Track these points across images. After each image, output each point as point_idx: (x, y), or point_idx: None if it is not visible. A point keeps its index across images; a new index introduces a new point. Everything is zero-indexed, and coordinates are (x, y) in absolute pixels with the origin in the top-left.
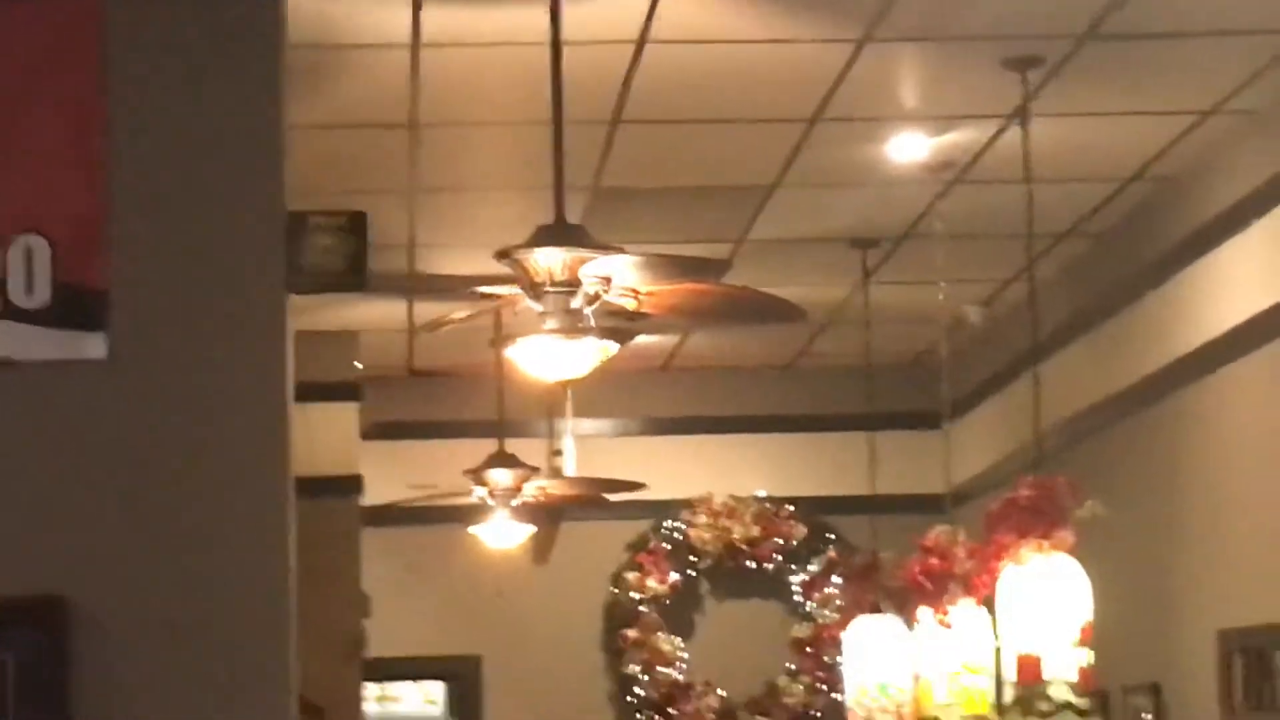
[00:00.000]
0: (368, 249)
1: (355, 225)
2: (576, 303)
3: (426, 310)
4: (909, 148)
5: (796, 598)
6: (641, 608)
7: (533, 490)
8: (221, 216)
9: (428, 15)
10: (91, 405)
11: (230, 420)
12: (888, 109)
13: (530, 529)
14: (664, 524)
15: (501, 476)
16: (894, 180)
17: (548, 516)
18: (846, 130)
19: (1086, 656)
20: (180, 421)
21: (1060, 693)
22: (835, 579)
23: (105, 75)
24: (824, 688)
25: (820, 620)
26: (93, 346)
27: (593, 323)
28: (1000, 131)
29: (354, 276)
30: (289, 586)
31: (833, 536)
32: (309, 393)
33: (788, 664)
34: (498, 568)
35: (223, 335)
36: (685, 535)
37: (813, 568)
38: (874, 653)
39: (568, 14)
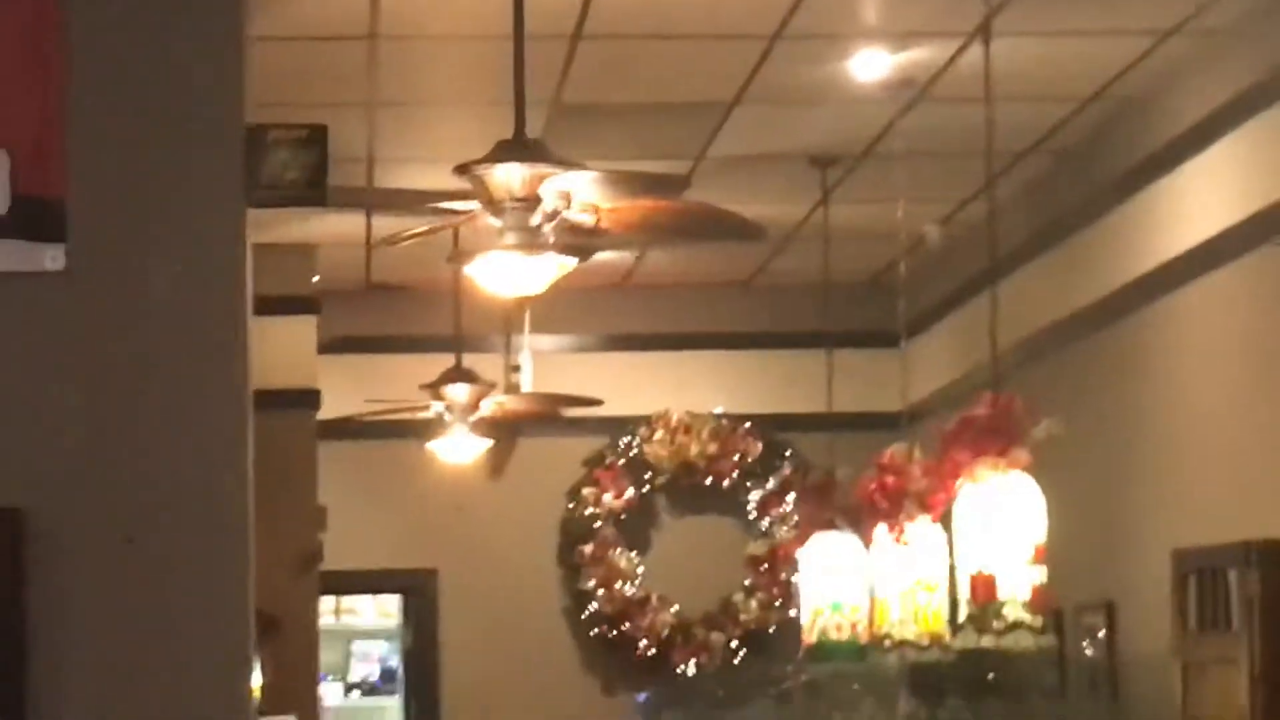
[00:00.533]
0: (327, 163)
1: (315, 139)
2: (536, 219)
3: (385, 225)
4: (870, 65)
5: (752, 515)
6: (597, 524)
7: (490, 406)
8: (180, 129)
9: None
10: (49, 317)
11: (188, 333)
12: (849, 26)
13: (487, 444)
14: (621, 440)
15: (459, 392)
16: (854, 98)
17: (505, 432)
18: (807, 47)
19: (1040, 575)
20: (138, 334)
21: (1014, 611)
22: (791, 496)
23: None
24: (779, 605)
25: (776, 538)
26: (50, 258)
27: (551, 239)
28: (962, 49)
29: (313, 190)
30: (246, 499)
31: (789, 454)
32: (267, 306)
33: (744, 581)
34: (454, 483)
35: (181, 248)
36: (642, 451)
37: (769, 485)
38: (829, 570)
39: None
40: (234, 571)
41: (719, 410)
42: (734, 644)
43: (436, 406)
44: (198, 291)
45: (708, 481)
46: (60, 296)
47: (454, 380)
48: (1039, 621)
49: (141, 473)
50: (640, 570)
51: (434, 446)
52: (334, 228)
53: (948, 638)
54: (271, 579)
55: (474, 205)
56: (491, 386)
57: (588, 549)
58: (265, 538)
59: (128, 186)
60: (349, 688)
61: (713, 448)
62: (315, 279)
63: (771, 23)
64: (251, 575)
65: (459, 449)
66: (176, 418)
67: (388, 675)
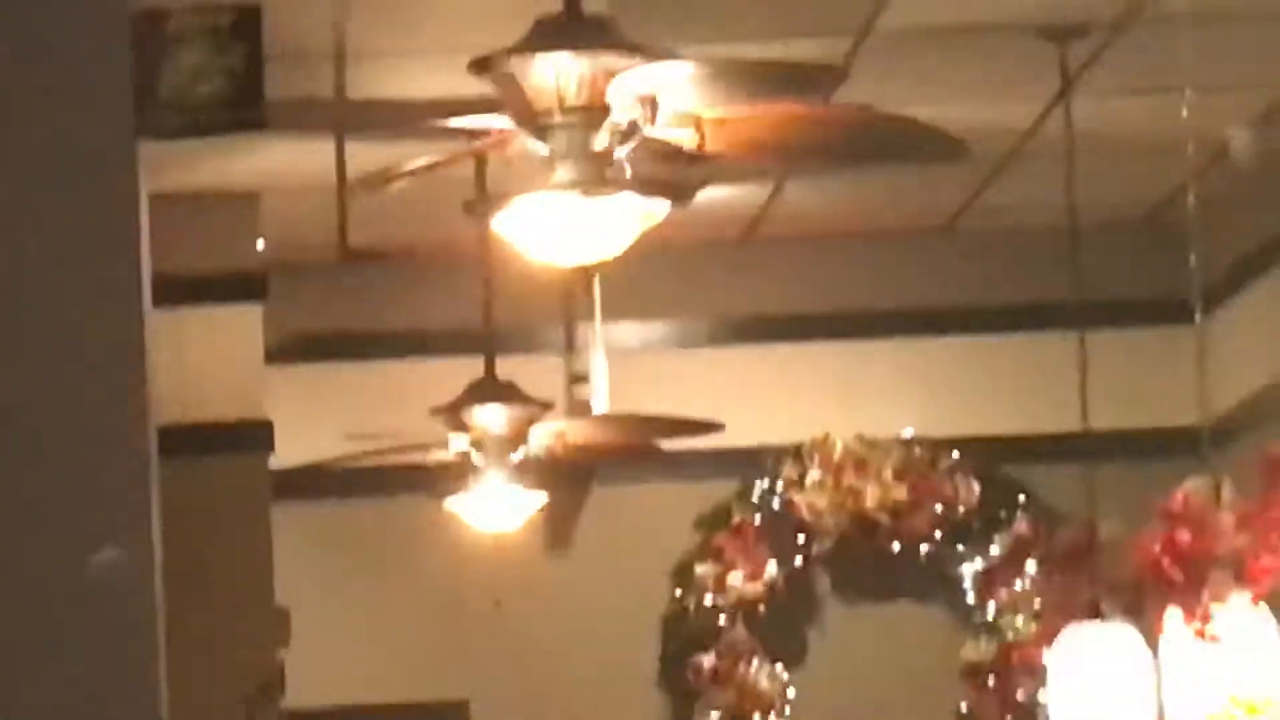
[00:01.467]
0: (263, 64)
1: (243, 28)
2: (602, 140)
3: (366, 157)
4: None
5: (969, 599)
6: (722, 621)
7: (544, 438)
8: (37, 23)
9: None
10: None
11: (53, 346)
12: None
13: (541, 500)
14: (754, 487)
15: (492, 417)
16: None
17: (569, 480)
18: None
19: None
20: None
21: None
22: (1029, 566)
23: None
24: None
25: (1007, 633)
26: None
27: (629, 170)
28: None
29: (244, 109)
30: (153, 602)
31: (1025, 499)
32: (184, 293)
33: (959, 705)
34: (491, 563)
35: (36, 212)
36: (789, 504)
37: (993, 550)
38: (1094, 681)
39: None
40: (138, 709)
41: (909, 433)
42: None
43: (458, 443)
44: (67, 279)
45: (895, 547)
46: None
47: (484, 399)
48: None
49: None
50: (791, 694)
51: (456, 507)
52: (286, 166)
53: None
54: None
55: (503, 122)
56: (545, 408)
57: (707, 662)
58: (193, 657)
59: None
60: None
61: (901, 493)
62: (259, 246)
63: None
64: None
65: (496, 509)
66: (39, 475)
67: None
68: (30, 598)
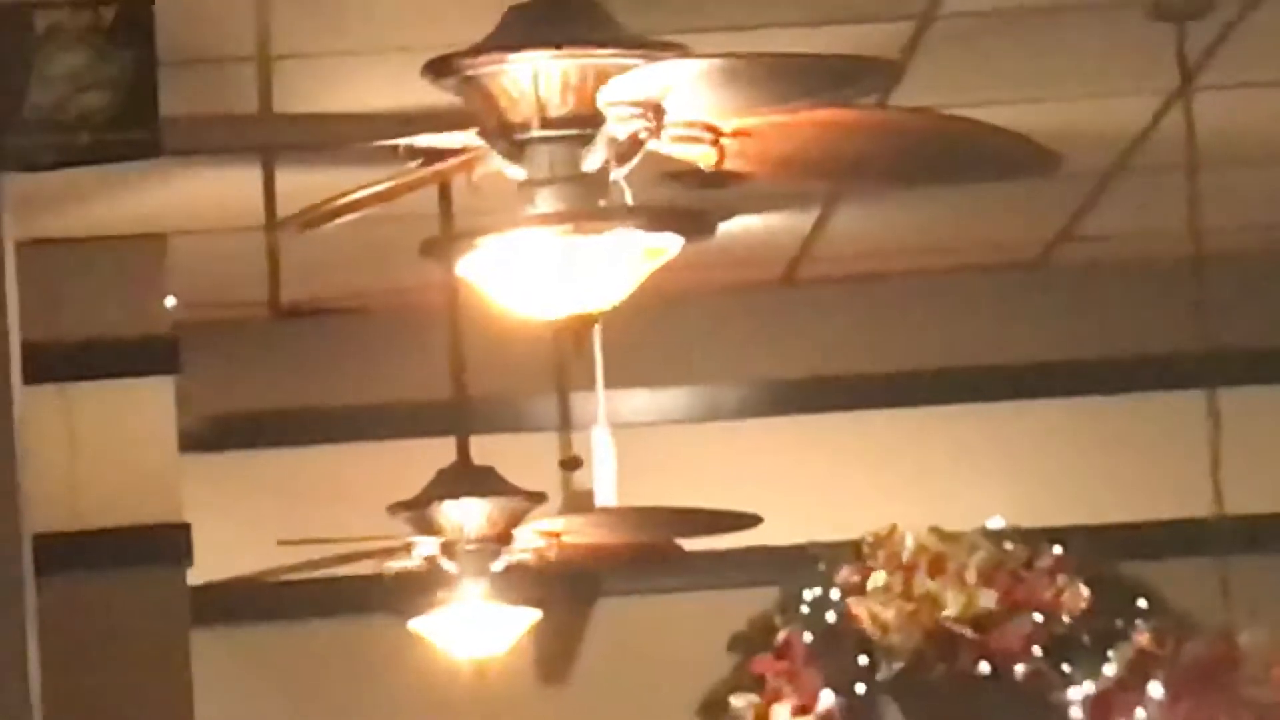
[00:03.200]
0: (157, 70)
1: (131, 26)
2: (595, 158)
3: (299, 186)
4: None
5: None
6: None
7: (534, 539)
8: None
9: None
10: None
11: None
12: None
13: (534, 618)
14: (803, 595)
15: (468, 513)
16: None
17: (568, 590)
18: None
19: None
20: None
21: None
22: (1154, 689)
23: None
24: None
25: None
26: None
27: (630, 197)
28: None
29: (135, 128)
30: None
31: (1144, 604)
32: (74, 365)
33: None
34: (469, 699)
35: None
36: (848, 615)
37: (1107, 669)
38: None
39: None
40: None
41: (998, 524)
42: None
43: (424, 547)
44: None
45: (984, 668)
46: None
47: (457, 491)
48: None
49: None
50: None
51: (423, 627)
52: (199, 202)
53: None
54: None
55: (470, 137)
56: (534, 500)
57: None
58: None
59: None
60: None
61: (990, 600)
62: (169, 304)
63: None
64: None
65: (475, 631)
66: None
67: None
68: None
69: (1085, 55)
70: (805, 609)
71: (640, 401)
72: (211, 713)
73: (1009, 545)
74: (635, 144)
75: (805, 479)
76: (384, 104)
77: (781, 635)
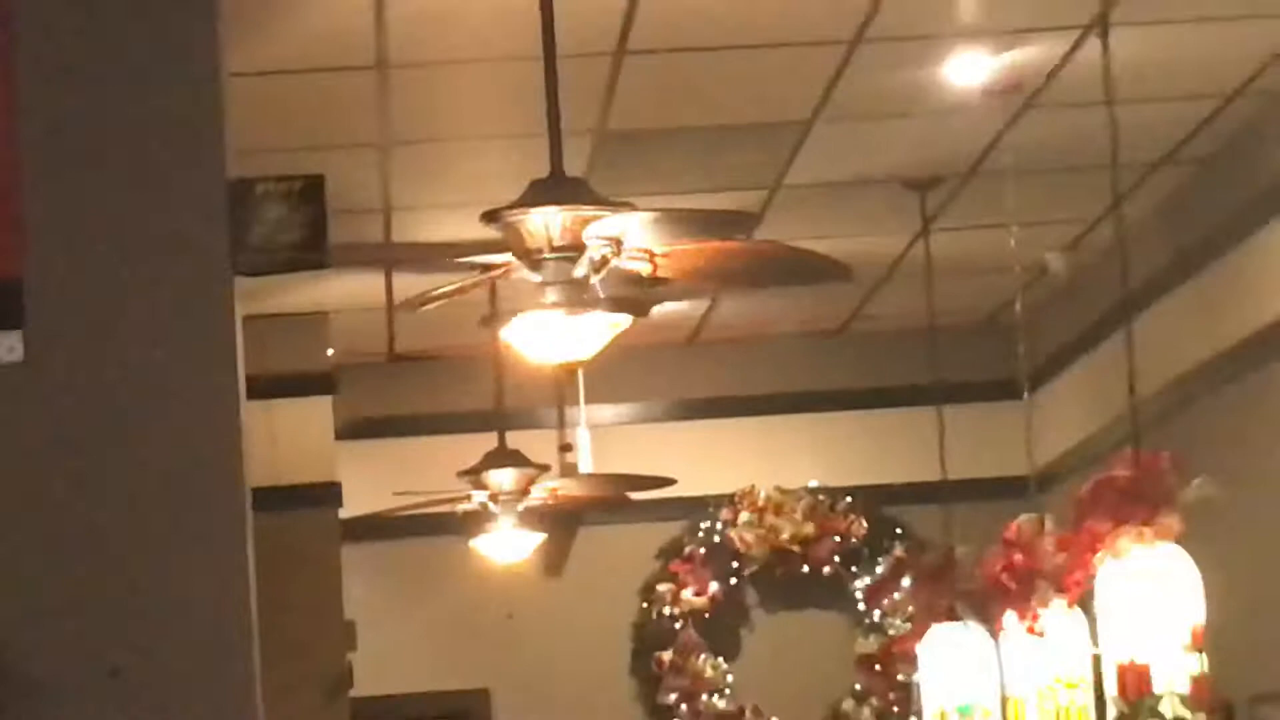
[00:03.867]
0: (328, 217)
1: (311, 191)
2: (581, 270)
3: (407, 285)
4: (969, 69)
5: (860, 606)
6: (677, 625)
7: (542, 492)
8: (153, 188)
9: None
10: (6, 416)
11: (171, 429)
12: (942, 24)
13: (541, 538)
14: (700, 525)
15: (504, 478)
16: (954, 108)
17: (561, 523)
18: (895, 51)
19: (1200, 663)
20: (112, 433)
21: (1172, 707)
22: (905, 582)
23: (10, 24)
24: (896, 711)
25: (890, 632)
26: (6, 348)
27: (601, 293)
28: (1076, 45)
29: (313, 252)
30: (249, 617)
31: (900, 532)
32: (273, 388)
33: (854, 685)
34: (505, 585)
35: (159, 329)
36: (726, 537)
37: (878, 570)
38: (953, 668)
39: None
40: (239, 705)
41: (814, 484)
42: None
43: (479, 497)
44: (181, 379)
45: (805, 569)
46: (20, 391)
47: (498, 464)
48: (1203, 718)
49: (123, 595)
50: (730, 679)
51: (478, 544)
52: (348, 292)
53: None
54: (293, 709)
55: (508, 258)
56: (543, 469)
57: (667, 656)
58: (282, 660)
59: (94, 261)
60: None
61: (809, 529)
62: (329, 353)
63: (851, 24)
64: (258, 708)
65: (508, 546)
66: (162, 528)
67: None
68: (157, 622)
69: (866, 209)
70: (701, 534)
71: (607, 411)
72: (353, 594)
73: (821, 497)
74: (605, 262)
75: (703, 458)
76: (458, 236)
77: (687, 549)
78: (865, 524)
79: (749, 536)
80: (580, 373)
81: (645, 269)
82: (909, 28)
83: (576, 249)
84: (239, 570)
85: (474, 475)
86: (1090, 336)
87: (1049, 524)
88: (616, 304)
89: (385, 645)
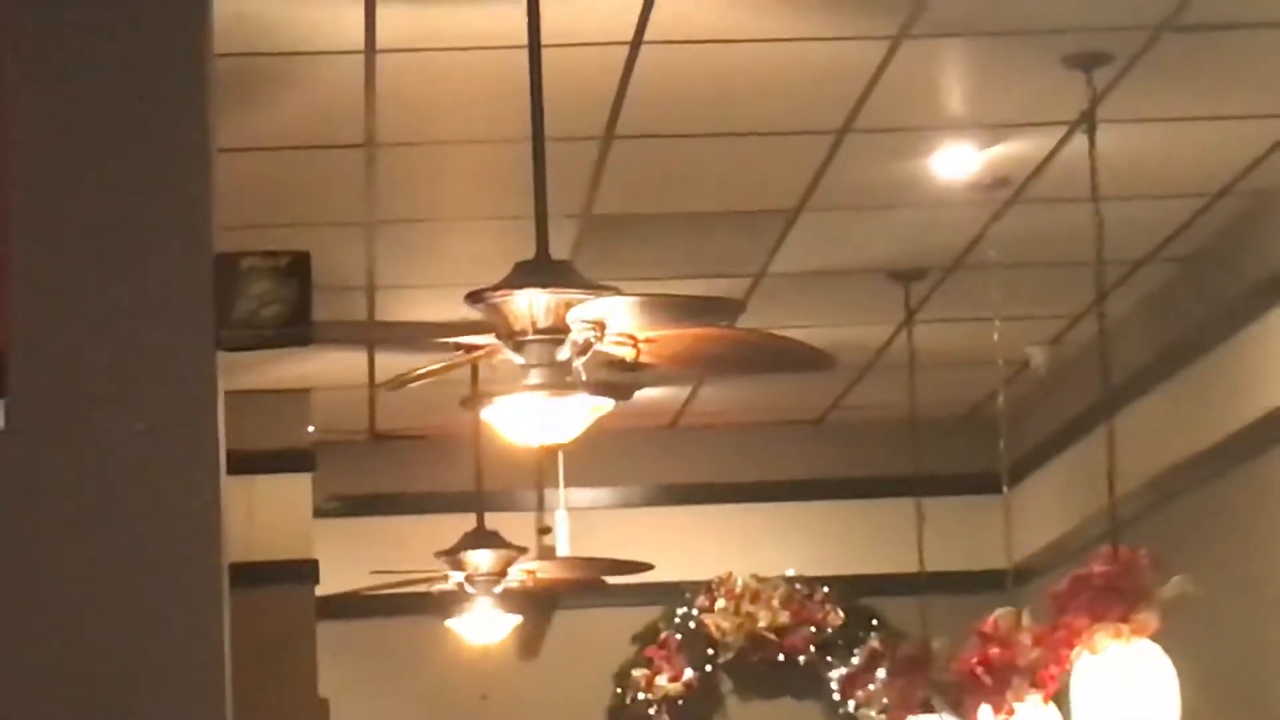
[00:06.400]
0: (312, 294)
1: (297, 267)
2: (564, 353)
3: (389, 364)
4: (956, 162)
5: (835, 696)
6: (651, 711)
7: (519, 574)
8: (138, 260)
9: (384, 15)
10: None
11: (150, 502)
12: (930, 117)
13: (517, 620)
14: (676, 611)
15: (482, 558)
16: (939, 201)
17: (538, 605)
18: (882, 143)
19: None
20: (93, 503)
21: None
22: (880, 672)
23: None
24: None
25: None
26: None
27: (584, 376)
28: (1062, 142)
29: (297, 328)
30: (224, 694)
31: (876, 622)
32: (253, 463)
33: None
34: (480, 667)
35: (142, 401)
36: (701, 624)
37: (853, 660)
38: None
39: (548, 11)
40: None
41: (791, 573)
42: None
43: (456, 577)
44: (162, 452)
45: (780, 657)
46: (2, 459)
47: (476, 545)
48: None
49: (97, 666)
50: None
51: (455, 625)
52: (330, 369)
53: None
54: None
55: (491, 339)
56: (521, 551)
57: None
58: None
59: (77, 331)
60: None
61: (785, 617)
62: (310, 430)
63: (838, 115)
64: None
65: (484, 627)
66: (139, 601)
67: None
68: (128, 696)
69: (850, 300)
70: (677, 620)
71: (586, 495)
72: (327, 672)
73: (797, 586)
74: (588, 345)
75: (680, 544)
76: (441, 316)
77: (663, 635)
78: (841, 614)
79: (725, 624)
80: (560, 455)
81: (628, 353)
82: (897, 120)
83: (560, 332)
84: (215, 645)
85: (452, 555)
86: (1071, 431)
87: (1026, 618)
88: (599, 388)
89: None
